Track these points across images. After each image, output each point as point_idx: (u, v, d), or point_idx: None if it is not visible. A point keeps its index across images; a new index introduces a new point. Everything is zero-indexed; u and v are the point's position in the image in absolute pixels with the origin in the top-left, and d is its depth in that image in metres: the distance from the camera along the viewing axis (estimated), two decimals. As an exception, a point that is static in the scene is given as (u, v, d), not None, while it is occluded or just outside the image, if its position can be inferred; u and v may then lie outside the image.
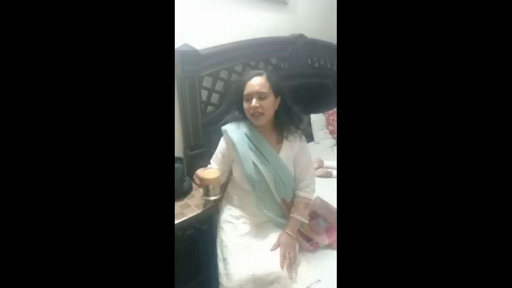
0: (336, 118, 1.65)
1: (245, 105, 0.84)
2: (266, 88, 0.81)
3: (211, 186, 0.74)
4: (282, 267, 0.79)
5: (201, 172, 0.79)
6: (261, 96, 0.81)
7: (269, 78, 0.82)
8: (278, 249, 0.83)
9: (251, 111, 0.82)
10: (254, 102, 0.80)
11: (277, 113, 0.86)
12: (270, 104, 0.82)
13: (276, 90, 0.83)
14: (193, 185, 1.05)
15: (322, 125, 1.66)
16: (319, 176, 1.27)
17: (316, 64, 1.61)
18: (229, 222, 0.92)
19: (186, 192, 1.01)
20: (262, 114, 0.82)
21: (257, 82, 0.81)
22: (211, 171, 0.76)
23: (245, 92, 0.83)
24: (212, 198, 0.75)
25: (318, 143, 1.64)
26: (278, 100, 0.85)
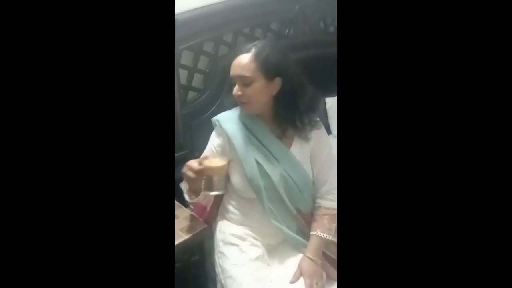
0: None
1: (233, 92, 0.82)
2: (249, 71, 0.76)
3: (215, 177, 0.72)
4: None
5: (198, 162, 0.74)
6: (244, 82, 0.77)
7: (256, 56, 0.76)
8: (301, 279, 0.80)
9: (235, 98, 0.81)
10: (236, 89, 0.78)
11: (279, 100, 0.81)
12: (257, 91, 0.78)
13: (270, 70, 0.77)
14: (176, 202, 0.97)
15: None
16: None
17: (331, 28, 1.54)
18: (231, 244, 0.87)
19: (167, 212, 0.94)
20: (246, 103, 0.79)
21: (239, 63, 0.77)
22: (214, 159, 0.74)
23: (230, 73, 0.80)
24: (215, 193, 0.74)
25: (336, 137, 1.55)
26: (277, 83, 0.79)
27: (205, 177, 0.72)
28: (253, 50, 0.77)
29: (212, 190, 0.73)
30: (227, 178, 0.79)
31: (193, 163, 0.73)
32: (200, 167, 0.72)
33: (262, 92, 0.78)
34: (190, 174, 0.72)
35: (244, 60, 0.76)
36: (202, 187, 0.73)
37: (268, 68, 0.76)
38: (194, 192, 0.80)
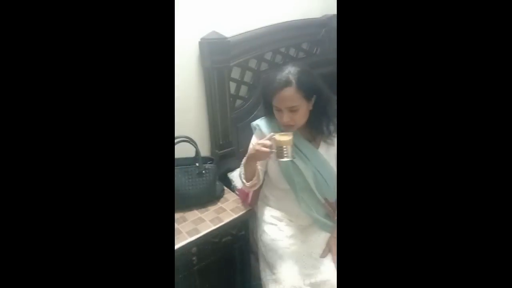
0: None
1: (276, 114, 0.90)
2: (297, 100, 0.85)
3: (286, 147, 0.83)
4: None
5: (267, 139, 0.87)
6: (292, 110, 0.86)
7: (299, 87, 0.84)
8: (329, 255, 0.93)
9: (283, 124, 0.89)
10: (285, 117, 0.86)
11: (311, 113, 0.91)
12: (303, 113, 0.88)
13: (309, 92, 0.86)
14: (225, 188, 1.16)
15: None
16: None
17: None
18: (271, 224, 1.01)
19: (219, 196, 1.11)
20: (293, 126, 0.89)
21: (287, 96, 0.84)
22: (284, 133, 0.85)
23: (274, 103, 0.88)
24: (286, 159, 0.84)
25: None
26: (313, 100, 0.89)
27: (277, 148, 0.84)
28: (293, 81, 0.84)
29: (283, 157, 0.84)
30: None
31: (264, 141, 0.86)
32: (270, 142, 0.84)
33: (306, 113, 0.89)
34: (264, 149, 0.83)
35: (290, 93, 0.84)
36: (276, 155, 0.85)
37: (309, 92, 0.86)
38: (250, 175, 0.95)
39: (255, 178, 0.95)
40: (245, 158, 0.96)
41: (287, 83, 0.84)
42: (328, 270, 0.90)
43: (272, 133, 0.88)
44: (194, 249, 0.95)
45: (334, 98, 0.92)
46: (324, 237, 0.96)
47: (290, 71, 0.86)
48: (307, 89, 0.85)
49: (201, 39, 1.12)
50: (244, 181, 0.95)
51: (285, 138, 0.84)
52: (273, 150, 0.85)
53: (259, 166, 0.98)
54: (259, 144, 0.85)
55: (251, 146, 1.00)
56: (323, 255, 0.93)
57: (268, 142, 0.85)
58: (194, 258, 0.97)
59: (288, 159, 0.85)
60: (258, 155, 0.86)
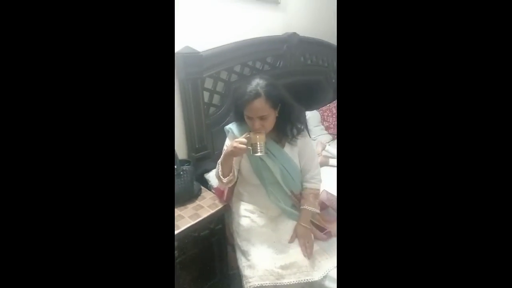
0: (331, 114, 1.94)
1: (248, 121, 0.99)
2: (266, 110, 0.93)
3: (259, 143, 0.93)
4: (305, 256, 0.98)
5: (243, 138, 0.96)
6: (262, 118, 0.95)
7: (268, 97, 0.92)
8: (296, 240, 1.03)
9: (254, 130, 0.98)
10: (256, 124, 0.96)
11: (277, 119, 1.00)
12: (271, 120, 0.97)
13: (276, 102, 0.95)
14: (202, 187, 1.25)
15: (317, 121, 1.94)
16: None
17: (309, 61, 1.89)
18: (245, 216, 1.10)
19: (196, 194, 1.20)
20: (263, 131, 0.97)
21: (258, 107, 0.93)
22: (257, 132, 0.95)
23: (246, 113, 0.96)
24: (261, 154, 0.94)
25: (314, 140, 1.90)
26: (278, 108, 0.98)
27: (252, 145, 0.94)
28: (262, 93, 0.92)
29: (257, 152, 0.94)
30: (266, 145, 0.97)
31: (240, 139, 0.94)
32: (246, 140, 0.93)
33: (273, 119, 0.98)
34: (241, 145, 0.92)
35: (260, 104, 0.92)
36: (251, 151, 0.95)
37: (275, 102, 0.95)
38: (227, 171, 1.02)
39: (231, 174, 1.03)
40: (221, 157, 1.04)
41: (256, 95, 0.93)
42: (296, 253, 0.99)
43: (247, 133, 0.97)
44: (175, 244, 1.01)
45: (295, 106, 1.03)
46: (292, 225, 1.07)
47: (259, 84, 0.94)
48: (274, 99, 0.95)
49: (176, 53, 1.20)
50: (222, 177, 1.03)
51: (258, 136, 0.95)
52: (249, 147, 0.95)
53: (234, 164, 1.05)
54: (236, 141, 0.94)
55: (225, 147, 1.08)
56: (291, 241, 1.03)
57: (244, 140, 0.95)
58: (175, 251, 1.03)
59: (262, 154, 0.95)
60: (236, 151, 0.94)
